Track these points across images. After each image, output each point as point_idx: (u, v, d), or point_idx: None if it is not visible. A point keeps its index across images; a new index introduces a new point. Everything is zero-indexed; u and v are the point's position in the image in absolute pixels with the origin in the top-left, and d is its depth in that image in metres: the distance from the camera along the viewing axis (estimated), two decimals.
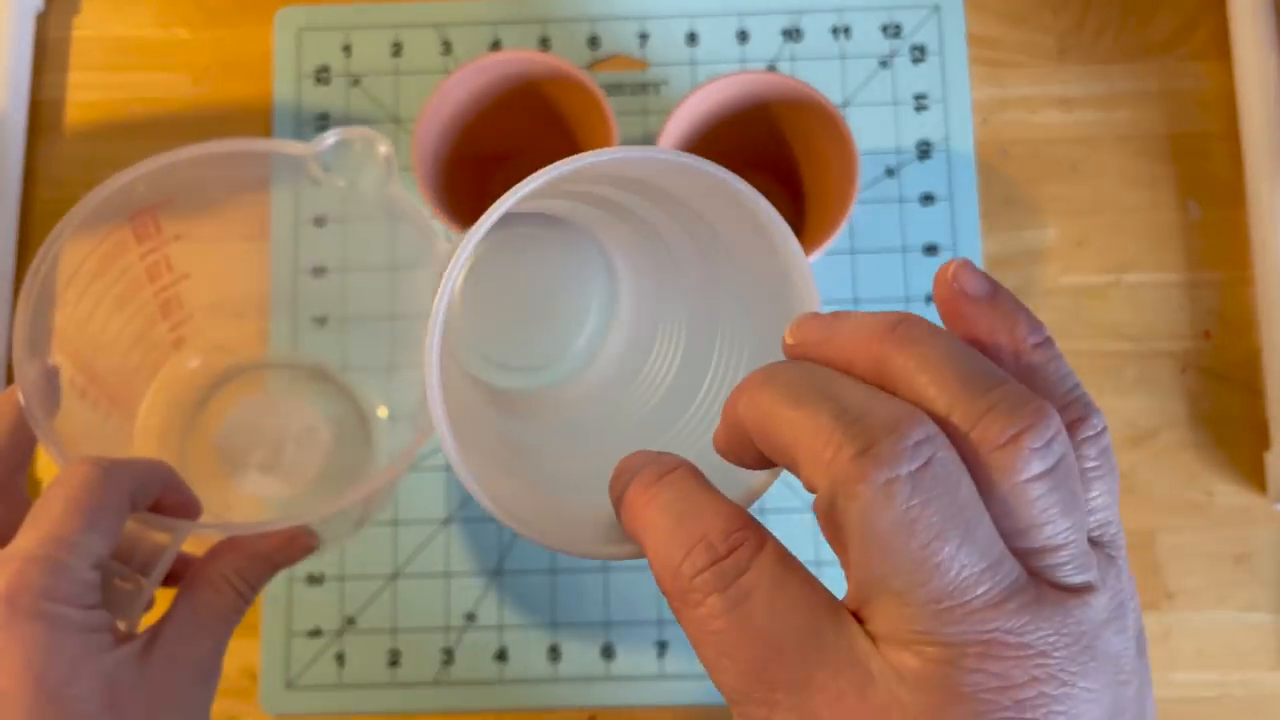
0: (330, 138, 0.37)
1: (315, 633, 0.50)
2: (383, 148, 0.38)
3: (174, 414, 0.47)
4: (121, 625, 0.31)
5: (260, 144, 0.38)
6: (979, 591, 0.20)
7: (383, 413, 0.50)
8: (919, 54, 0.54)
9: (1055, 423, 0.21)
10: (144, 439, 0.45)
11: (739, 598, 0.21)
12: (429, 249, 0.39)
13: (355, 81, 0.55)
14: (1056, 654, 0.20)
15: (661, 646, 0.50)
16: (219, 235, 0.44)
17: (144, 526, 0.31)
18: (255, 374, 0.49)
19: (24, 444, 0.35)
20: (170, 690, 0.31)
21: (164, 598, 0.34)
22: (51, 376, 0.36)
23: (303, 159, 0.38)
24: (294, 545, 0.35)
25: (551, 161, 0.58)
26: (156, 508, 0.32)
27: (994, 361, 0.23)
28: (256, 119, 0.55)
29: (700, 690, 0.49)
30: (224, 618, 0.33)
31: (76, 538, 0.29)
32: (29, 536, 0.29)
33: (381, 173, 0.38)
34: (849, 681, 0.20)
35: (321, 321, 0.50)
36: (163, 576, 0.32)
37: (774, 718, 0.21)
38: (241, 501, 0.48)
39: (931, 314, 0.56)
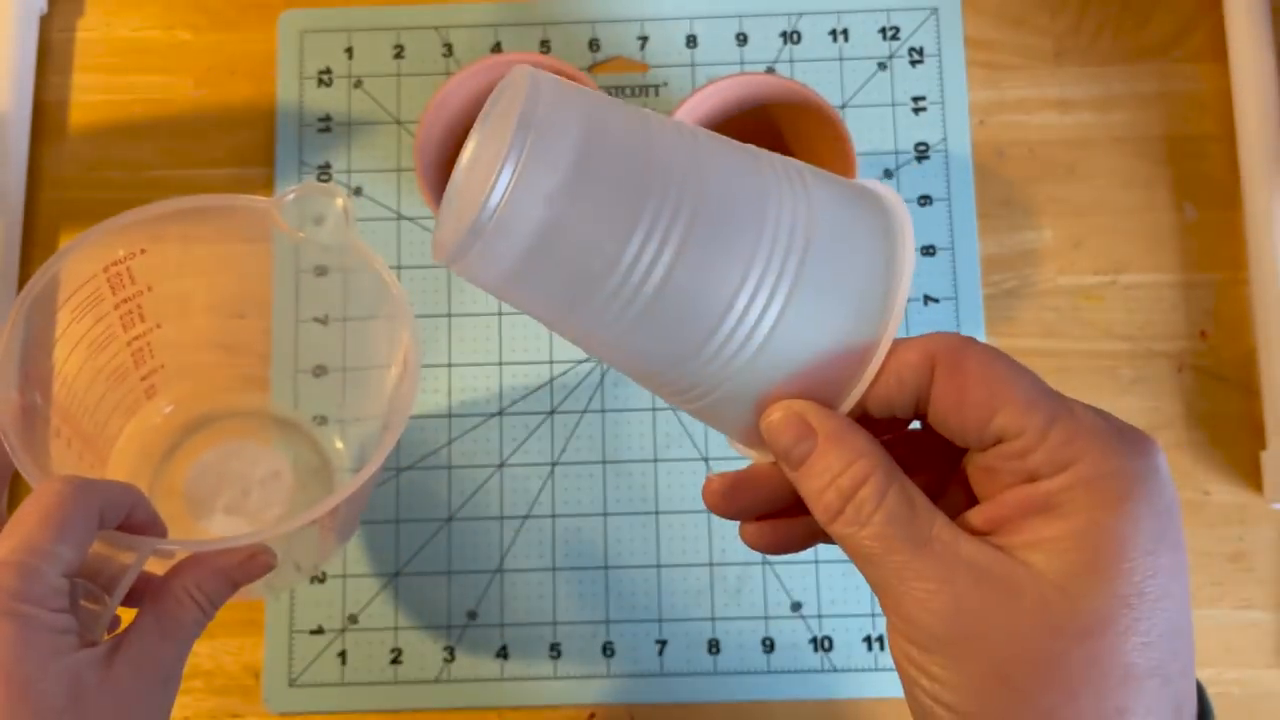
0: (291, 193, 0.39)
1: (318, 631, 0.50)
2: (340, 201, 0.39)
3: (144, 461, 0.49)
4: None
5: (227, 200, 0.41)
6: None
7: (341, 453, 0.51)
8: (917, 56, 0.55)
9: None
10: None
11: None
12: (386, 296, 0.40)
13: (357, 83, 0.55)
14: None
15: (661, 645, 0.50)
16: (192, 285, 0.46)
17: (111, 546, 0.33)
18: (223, 422, 0.51)
19: (2, 470, 0.37)
20: (132, 692, 0.32)
21: (126, 618, 0.35)
22: (30, 411, 0.38)
23: (267, 212, 0.40)
24: (253, 563, 0.37)
25: None
26: (124, 527, 0.34)
27: None
28: (259, 121, 0.55)
29: (699, 687, 0.50)
30: (185, 628, 0.35)
31: (48, 546, 0.31)
32: (3, 546, 0.31)
33: (340, 224, 0.40)
34: None
35: (293, 372, 0.51)
36: (126, 592, 0.33)
37: None
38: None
39: (929, 314, 0.56)
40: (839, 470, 0.26)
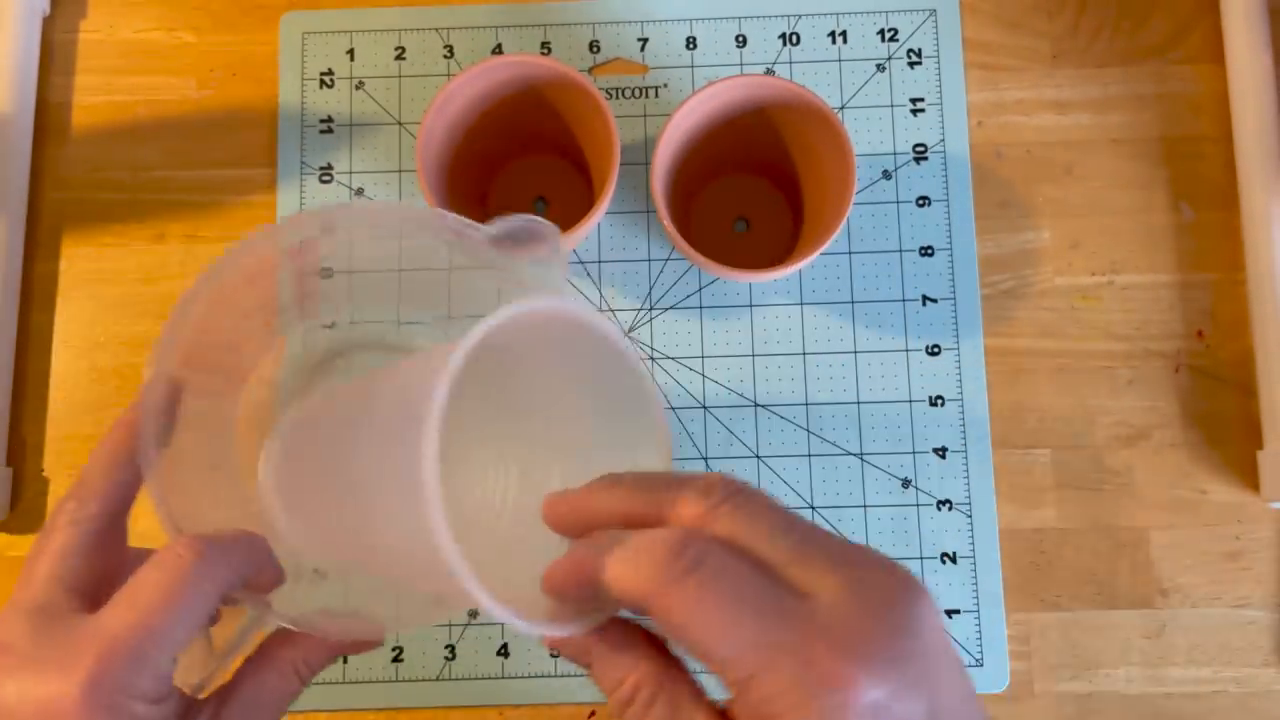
0: (508, 223, 0.37)
1: None
2: (552, 238, 0.37)
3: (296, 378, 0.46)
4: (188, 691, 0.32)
5: (449, 219, 0.37)
6: None
7: None
8: (915, 58, 0.55)
9: None
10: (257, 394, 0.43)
11: None
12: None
13: (359, 85, 0.55)
14: None
15: None
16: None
17: (229, 610, 0.32)
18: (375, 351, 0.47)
19: (129, 484, 0.34)
20: None
21: None
22: (174, 394, 0.34)
23: (474, 240, 0.37)
24: (362, 643, 0.35)
25: (553, 164, 0.59)
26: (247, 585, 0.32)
27: None
28: (261, 122, 0.55)
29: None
30: (284, 700, 0.33)
31: (164, 630, 0.29)
32: (120, 618, 0.29)
33: (549, 259, 0.37)
34: None
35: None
36: (235, 657, 0.32)
37: None
38: None
39: (927, 313, 0.56)
40: (612, 686, 0.27)
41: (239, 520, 0.36)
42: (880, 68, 0.55)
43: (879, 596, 0.24)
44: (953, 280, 0.53)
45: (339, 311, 0.45)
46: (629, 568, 0.25)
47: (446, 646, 0.50)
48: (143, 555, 0.32)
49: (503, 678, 0.50)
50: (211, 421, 0.40)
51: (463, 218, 0.37)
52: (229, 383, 0.42)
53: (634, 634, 0.27)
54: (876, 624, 0.24)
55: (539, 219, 0.37)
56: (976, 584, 0.51)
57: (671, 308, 0.53)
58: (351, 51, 0.56)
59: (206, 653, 0.32)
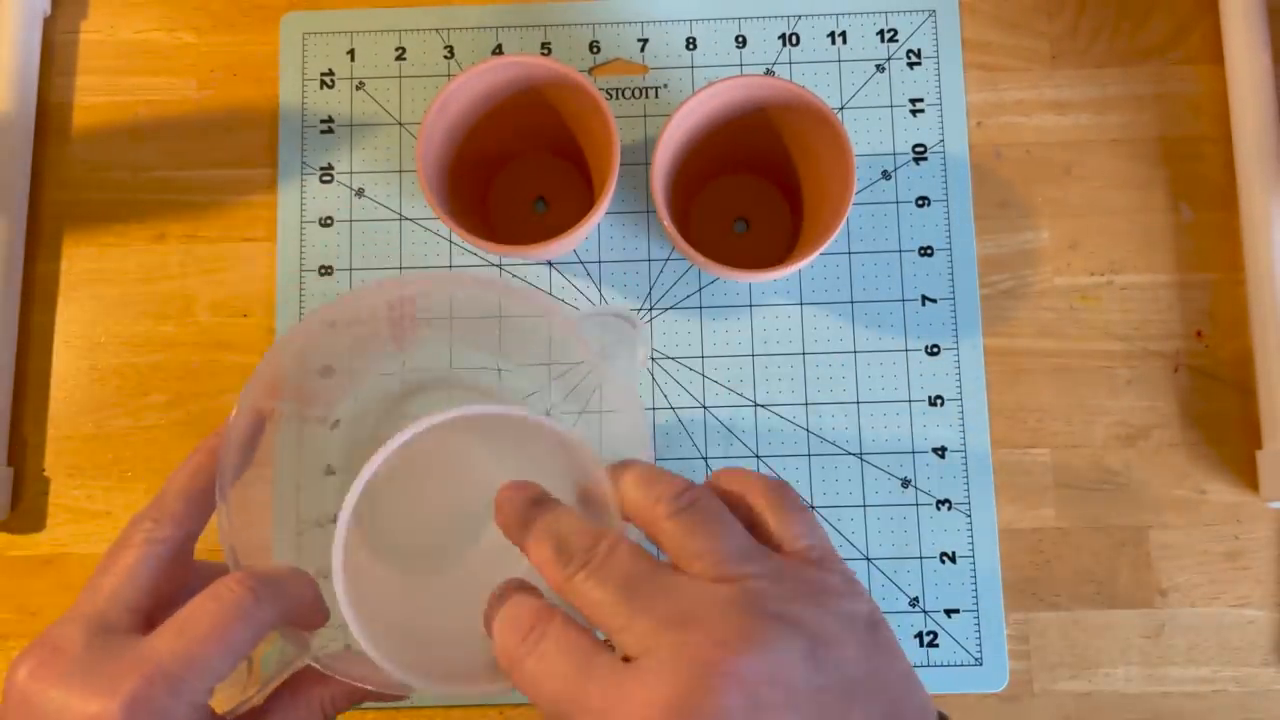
0: (594, 313, 0.39)
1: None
2: (640, 331, 0.39)
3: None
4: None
5: (537, 298, 0.41)
6: None
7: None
8: (915, 58, 0.55)
9: None
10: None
11: None
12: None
13: (359, 85, 0.55)
14: None
15: None
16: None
17: (269, 645, 0.33)
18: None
19: (204, 512, 0.35)
20: None
21: None
22: (258, 426, 0.36)
23: (565, 322, 0.39)
24: (387, 694, 0.36)
25: (553, 164, 0.59)
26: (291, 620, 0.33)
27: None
28: (262, 122, 0.55)
29: None
30: None
31: (207, 660, 0.30)
32: (168, 644, 0.30)
33: (632, 351, 0.39)
34: None
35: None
36: (271, 688, 0.33)
37: None
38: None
39: (926, 314, 0.56)
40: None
41: (298, 553, 0.38)
42: (880, 68, 0.55)
43: (688, 657, 0.27)
44: (952, 280, 0.53)
45: (430, 356, 0.46)
46: (496, 635, 0.30)
47: None
48: (205, 572, 0.34)
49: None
50: (289, 454, 0.41)
51: (573, 310, 0.38)
52: (311, 417, 0.43)
53: None
54: (673, 685, 0.26)
55: (628, 312, 0.39)
56: (976, 584, 0.51)
57: (671, 308, 0.53)
58: (352, 52, 0.56)
59: (244, 678, 0.33)
